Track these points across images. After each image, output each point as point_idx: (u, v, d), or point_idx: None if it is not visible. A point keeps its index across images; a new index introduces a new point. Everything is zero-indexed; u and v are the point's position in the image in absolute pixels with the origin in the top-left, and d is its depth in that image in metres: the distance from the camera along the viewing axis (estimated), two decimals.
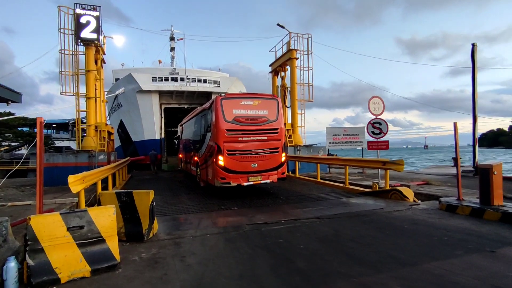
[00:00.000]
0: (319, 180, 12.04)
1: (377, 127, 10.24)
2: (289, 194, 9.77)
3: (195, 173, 12.54)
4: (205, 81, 24.62)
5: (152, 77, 22.51)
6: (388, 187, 8.51)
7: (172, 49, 34.87)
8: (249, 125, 8.98)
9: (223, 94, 9.31)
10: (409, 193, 8.01)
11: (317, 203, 8.13)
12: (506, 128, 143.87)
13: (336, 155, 17.38)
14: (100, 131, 13.84)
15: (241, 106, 9.02)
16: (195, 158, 12.15)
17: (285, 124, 11.31)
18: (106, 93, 17.42)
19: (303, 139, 17.90)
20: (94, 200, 8.23)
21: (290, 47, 17.59)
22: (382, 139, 10.22)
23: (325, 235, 5.10)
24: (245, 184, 8.96)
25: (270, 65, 20.38)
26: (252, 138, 8.99)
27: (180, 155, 17.68)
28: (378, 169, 9.74)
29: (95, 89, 14.18)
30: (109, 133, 16.24)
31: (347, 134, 16.58)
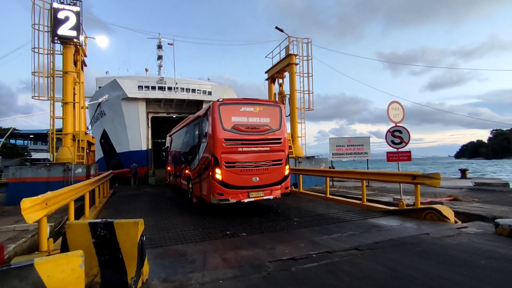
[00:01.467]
0: (328, 195, 10.71)
1: (397, 135, 9.09)
2: (300, 213, 8.38)
3: (186, 187, 11.23)
4: (194, 90, 23.28)
5: (139, 86, 21.02)
6: (419, 205, 7.26)
7: (160, 57, 33.69)
8: (250, 134, 8.06)
9: (221, 100, 8.09)
10: (448, 212, 6.78)
11: (341, 225, 6.77)
12: (485, 140, 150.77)
13: (334, 167, 16.20)
14: (79, 140, 12.14)
15: (241, 113, 8.10)
16: (187, 171, 10.84)
17: None
18: (87, 100, 15.69)
19: (303, 150, 16.67)
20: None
21: (289, 52, 16.54)
22: (403, 149, 9.05)
23: (383, 279, 3.72)
24: (246, 200, 7.90)
25: (266, 72, 19.28)
26: (253, 149, 8.07)
27: (169, 168, 16.27)
28: (402, 183, 8.51)
29: (74, 94, 12.53)
30: (90, 144, 14.52)
31: (351, 144, 15.45)
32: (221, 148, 7.72)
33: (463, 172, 17.37)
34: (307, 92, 16.77)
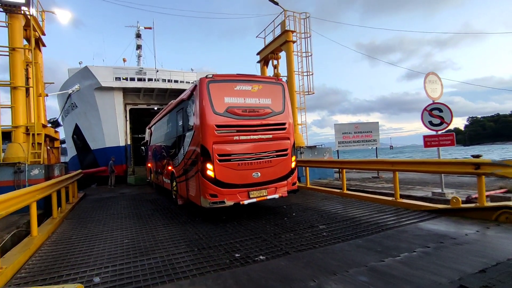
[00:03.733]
0: (345, 191, 8.89)
1: (437, 115, 7.33)
2: (323, 217, 6.50)
3: (169, 187, 9.58)
4: (176, 81, 20.97)
5: (116, 78, 18.55)
6: (485, 203, 5.51)
7: (139, 47, 30.93)
8: (248, 118, 6.58)
9: (210, 75, 6.53)
10: None
11: (391, 235, 4.93)
12: (462, 127, 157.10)
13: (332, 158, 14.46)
14: (34, 135, 9.71)
15: (236, 92, 6.62)
16: (169, 168, 9.25)
17: None
18: (49, 88, 13.15)
19: (304, 139, 14.81)
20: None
21: (286, 28, 14.50)
22: (443, 131, 7.31)
23: None
24: (246, 202, 6.39)
25: (258, 53, 17.21)
26: (252, 137, 6.58)
27: (149, 164, 14.32)
28: (459, 174, 6.75)
29: (27, 78, 10.07)
30: (52, 139, 12.06)
31: (358, 131, 13.73)
32: (212, 137, 6.21)
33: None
34: (306, 73, 14.87)
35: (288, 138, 7.10)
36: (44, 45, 12.21)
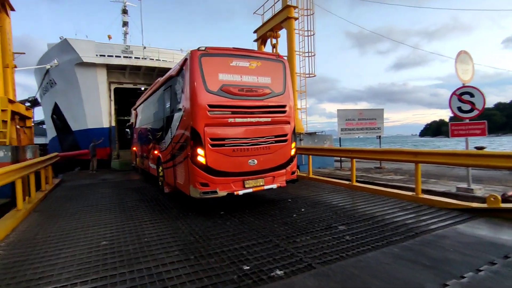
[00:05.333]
0: (355, 183, 8.02)
1: (467, 100, 6.43)
2: (338, 215, 5.59)
3: (155, 173, 8.86)
4: (165, 61, 19.52)
5: (100, 55, 16.99)
6: None
7: (125, 24, 28.79)
8: (245, 99, 5.91)
9: (203, 48, 5.72)
10: None
11: (429, 242, 4.05)
12: (447, 119, 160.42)
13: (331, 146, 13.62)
14: None
15: (232, 68, 5.88)
16: (156, 152, 8.51)
17: None
18: (17, 56, 11.57)
19: (304, 125, 13.85)
20: None
21: (287, 3, 13.24)
22: (473, 119, 6.42)
23: None
24: (241, 192, 5.82)
25: (255, 31, 15.92)
26: (249, 120, 5.94)
27: (134, 148, 13.35)
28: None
29: None
30: (23, 117, 10.65)
31: (362, 118, 12.84)
32: (204, 118, 5.53)
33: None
34: (307, 54, 13.76)
35: (289, 122, 6.49)
36: (12, 9, 10.56)
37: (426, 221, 4.99)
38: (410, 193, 6.60)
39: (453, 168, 11.36)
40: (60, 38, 26.39)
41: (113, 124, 17.57)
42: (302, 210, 6.05)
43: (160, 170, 8.21)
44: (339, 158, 12.88)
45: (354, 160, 8.12)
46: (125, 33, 28.71)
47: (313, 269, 3.38)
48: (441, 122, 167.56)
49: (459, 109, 6.56)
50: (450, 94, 6.77)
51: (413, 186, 7.55)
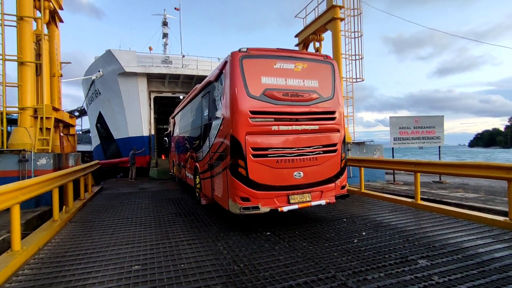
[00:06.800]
0: (420, 201, 6.81)
1: None
2: (412, 244, 4.53)
3: (192, 182, 8.54)
4: (204, 70, 19.56)
5: (142, 65, 17.40)
6: None
7: (165, 35, 29.98)
8: (290, 104, 5.36)
9: (244, 49, 5.25)
10: None
11: None
12: (501, 128, 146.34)
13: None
14: (43, 118, 8.37)
15: (276, 71, 5.36)
16: (193, 161, 8.18)
17: None
18: (64, 65, 11.91)
19: (351, 134, 12.72)
20: None
21: (333, 3, 12.38)
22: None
23: None
24: (286, 209, 5.16)
25: (296, 36, 15.21)
26: (294, 128, 5.39)
27: (172, 157, 13.26)
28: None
29: (38, 54, 8.75)
30: (67, 125, 10.81)
31: (419, 126, 11.44)
32: (245, 126, 5.04)
33: None
34: (355, 57, 12.72)
35: (338, 131, 5.86)
36: (61, 21, 10.90)
37: None
38: (501, 218, 5.31)
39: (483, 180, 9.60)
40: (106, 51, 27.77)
41: (153, 132, 17.74)
42: (363, 234, 5.07)
43: (197, 181, 7.87)
44: (390, 170, 11.58)
45: (419, 174, 6.93)
46: (165, 44, 29.74)
47: None
48: (495, 131, 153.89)
49: None
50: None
51: (497, 208, 6.22)
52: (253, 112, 5.07)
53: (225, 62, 5.49)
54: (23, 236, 5.03)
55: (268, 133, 5.19)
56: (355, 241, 4.70)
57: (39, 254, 4.43)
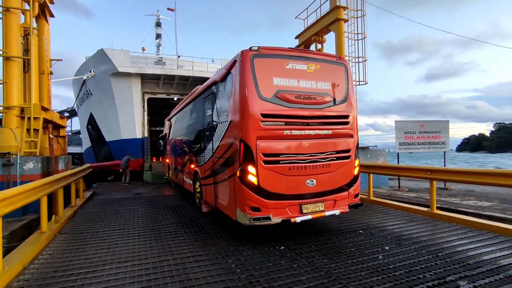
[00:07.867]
0: (436, 211, 6.45)
1: None
2: (444, 260, 4.13)
3: (191, 188, 8.16)
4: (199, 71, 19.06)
5: (134, 64, 16.80)
6: None
7: (158, 36, 29.49)
8: (302, 107, 5.07)
9: (255, 48, 4.89)
10: None
11: None
12: (487, 133, 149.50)
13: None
14: (30, 118, 7.73)
15: (288, 72, 5.04)
16: (192, 166, 7.75)
17: None
18: (54, 62, 11.24)
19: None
20: None
21: (336, 3, 12.06)
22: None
23: None
24: (299, 219, 4.81)
25: (297, 37, 14.80)
26: (307, 132, 5.06)
27: (168, 160, 12.70)
28: None
29: (26, 50, 8.12)
30: (57, 126, 10.15)
31: (424, 131, 11.17)
32: (256, 130, 4.70)
33: None
34: (359, 59, 12.41)
35: (352, 136, 5.56)
36: (52, 15, 10.26)
37: None
38: None
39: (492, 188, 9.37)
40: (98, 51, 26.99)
41: (146, 135, 17.12)
42: (386, 248, 4.64)
43: (197, 186, 7.45)
44: (393, 176, 11.27)
45: (435, 182, 6.57)
46: (158, 45, 29.20)
47: None
48: (481, 137, 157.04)
49: None
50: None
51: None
52: (264, 115, 4.73)
53: (234, 61, 5.13)
54: (7, 251, 4.47)
55: (279, 138, 4.86)
56: (380, 257, 4.27)
57: (24, 274, 3.86)
